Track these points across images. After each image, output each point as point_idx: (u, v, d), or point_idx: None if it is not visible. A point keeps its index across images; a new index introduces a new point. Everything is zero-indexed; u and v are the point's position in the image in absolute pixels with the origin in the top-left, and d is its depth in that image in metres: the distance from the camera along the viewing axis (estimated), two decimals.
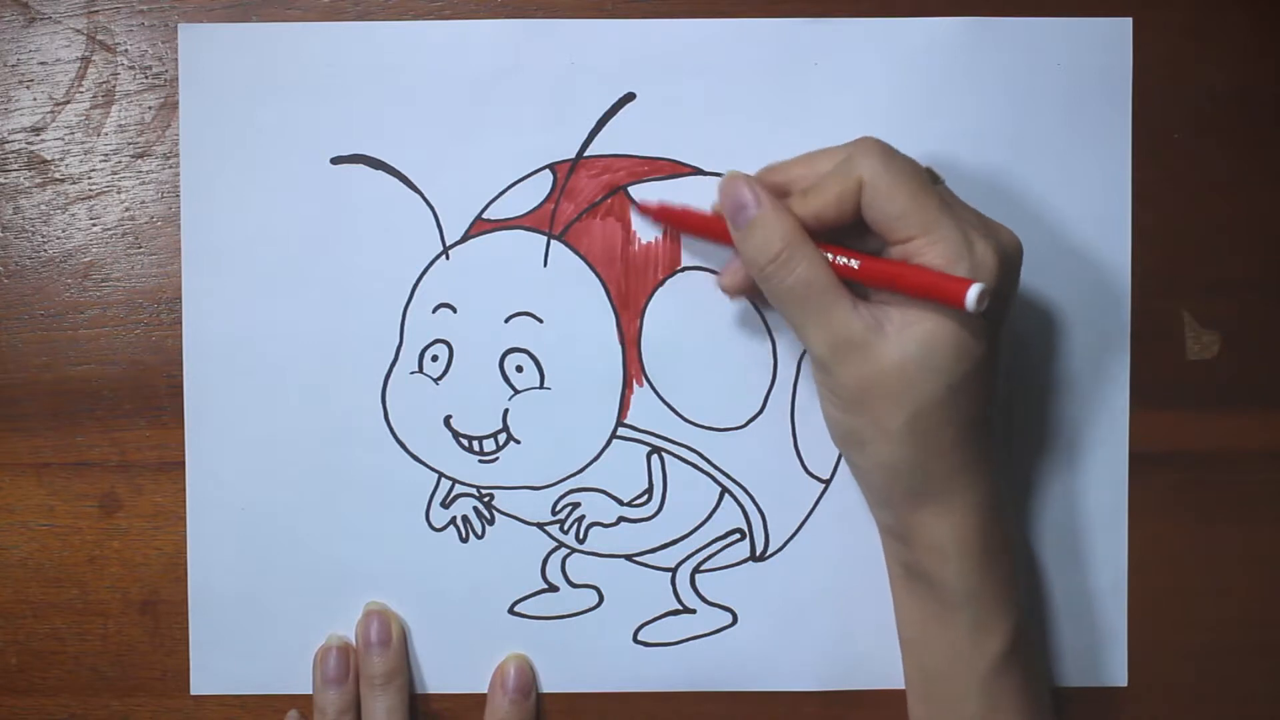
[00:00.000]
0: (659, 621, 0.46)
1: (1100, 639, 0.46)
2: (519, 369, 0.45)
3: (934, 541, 0.40)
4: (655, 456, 0.45)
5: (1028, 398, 0.45)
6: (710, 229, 0.43)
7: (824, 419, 0.42)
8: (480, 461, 0.45)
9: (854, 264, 0.39)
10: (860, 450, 0.40)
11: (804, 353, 0.45)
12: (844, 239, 0.40)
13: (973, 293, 0.36)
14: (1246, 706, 0.46)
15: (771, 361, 0.45)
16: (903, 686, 0.45)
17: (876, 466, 0.40)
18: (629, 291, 0.45)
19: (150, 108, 0.45)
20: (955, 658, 0.40)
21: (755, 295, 0.43)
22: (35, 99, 0.45)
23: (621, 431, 0.45)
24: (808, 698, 0.46)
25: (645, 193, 0.44)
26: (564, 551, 0.45)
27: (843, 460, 0.45)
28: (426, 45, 0.44)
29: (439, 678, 0.46)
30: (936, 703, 0.42)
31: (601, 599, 0.46)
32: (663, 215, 0.44)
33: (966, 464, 0.40)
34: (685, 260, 0.45)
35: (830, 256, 0.39)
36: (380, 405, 0.45)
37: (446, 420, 0.45)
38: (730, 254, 0.42)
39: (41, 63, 0.45)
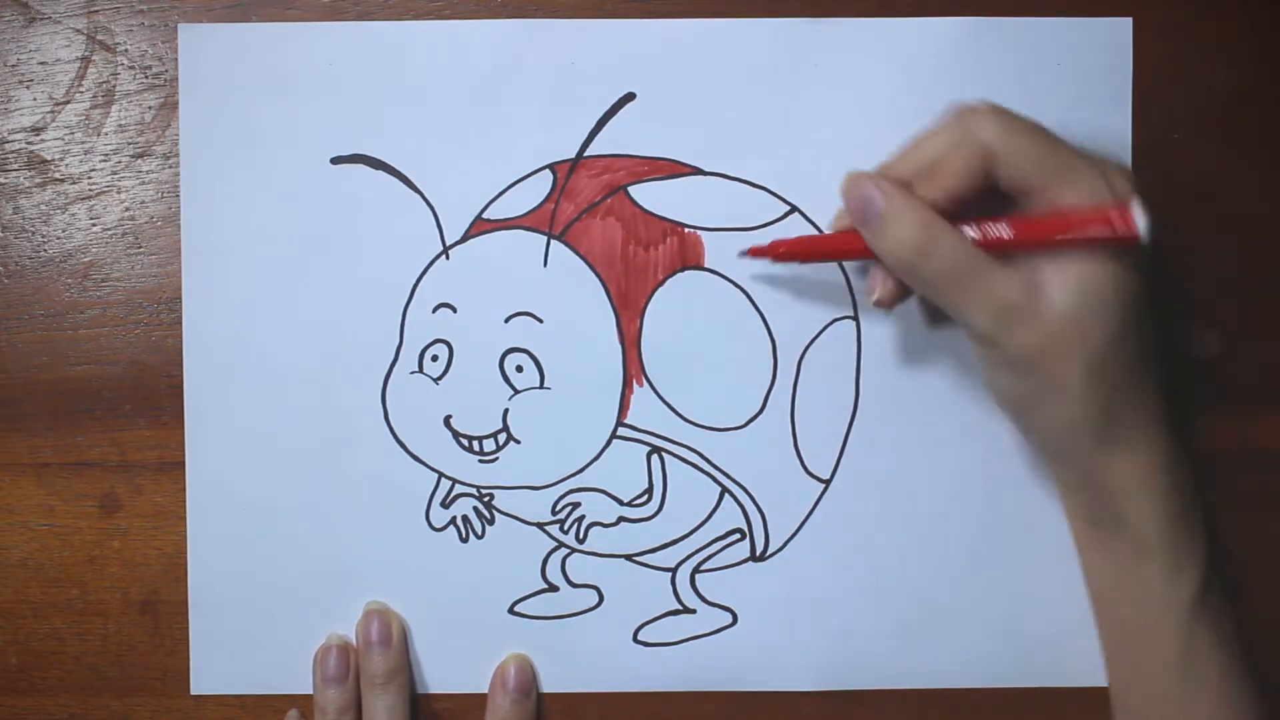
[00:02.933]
0: (659, 621, 0.46)
1: None
2: (519, 369, 0.45)
3: (1121, 484, 0.40)
4: (655, 456, 0.45)
5: None
6: (836, 248, 0.42)
7: (990, 393, 0.41)
8: (480, 461, 0.45)
9: (1006, 231, 0.38)
10: (1039, 410, 0.40)
11: (804, 353, 0.45)
12: (967, 213, 0.39)
13: (1138, 213, 0.37)
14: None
15: (771, 361, 0.45)
16: (902, 686, 0.45)
17: (1059, 422, 0.40)
18: (629, 291, 0.45)
19: (150, 108, 0.45)
20: (1150, 602, 0.40)
21: (905, 297, 0.41)
22: (35, 99, 0.45)
23: (621, 431, 0.45)
24: (808, 698, 0.46)
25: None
26: (564, 551, 0.45)
27: (843, 460, 0.45)
28: (426, 45, 0.44)
29: (439, 677, 0.46)
30: (1134, 652, 0.41)
31: (601, 599, 0.46)
32: (781, 253, 0.43)
33: (1142, 401, 0.40)
34: (685, 262, 0.45)
35: (975, 233, 0.39)
36: (380, 405, 0.45)
37: (446, 420, 0.45)
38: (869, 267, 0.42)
39: (41, 63, 0.45)
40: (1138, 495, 0.40)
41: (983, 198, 0.39)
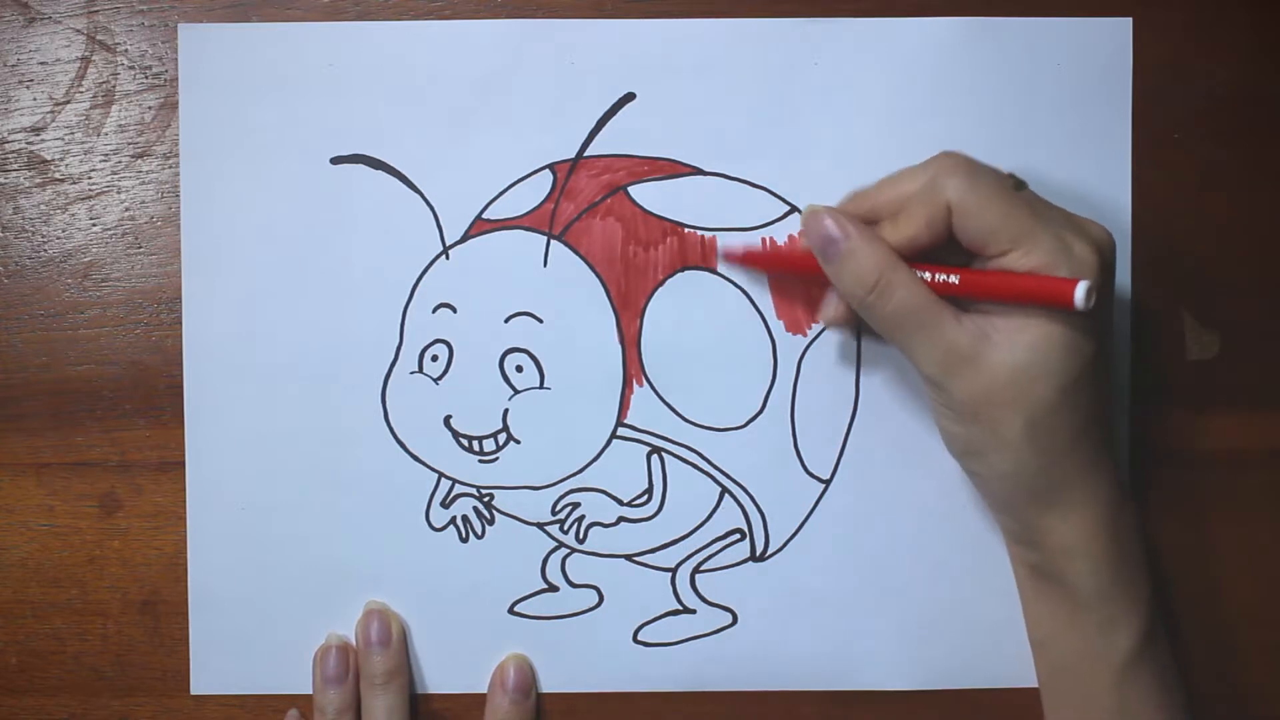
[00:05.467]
0: (659, 621, 0.46)
1: None
2: (519, 369, 0.45)
3: (1061, 543, 0.40)
4: (655, 456, 0.45)
5: None
6: (802, 263, 0.43)
7: (940, 433, 0.42)
8: (480, 461, 0.45)
9: (953, 279, 0.39)
10: (980, 460, 0.40)
11: (804, 353, 0.45)
12: (937, 256, 0.40)
13: (1080, 290, 0.36)
14: (1247, 707, 0.46)
15: (771, 361, 0.45)
16: (900, 688, 0.45)
17: (998, 475, 0.40)
18: (629, 291, 0.45)
19: (150, 108, 0.45)
20: (1087, 656, 0.40)
21: (855, 321, 0.43)
22: (35, 99, 0.45)
23: (621, 431, 0.45)
24: (808, 697, 0.46)
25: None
26: (564, 551, 0.45)
27: (843, 460, 0.45)
28: (426, 45, 0.44)
29: (439, 677, 0.46)
30: (1070, 702, 0.42)
31: (601, 599, 0.46)
32: (750, 260, 0.44)
33: (1088, 463, 0.40)
34: (685, 262, 0.45)
35: (928, 276, 0.39)
36: (380, 405, 0.45)
37: (446, 420, 0.45)
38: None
39: (41, 63, 0.45)
40: (1076, 554, 0.40)
41: (950, 244, 0.39)
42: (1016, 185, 0.40)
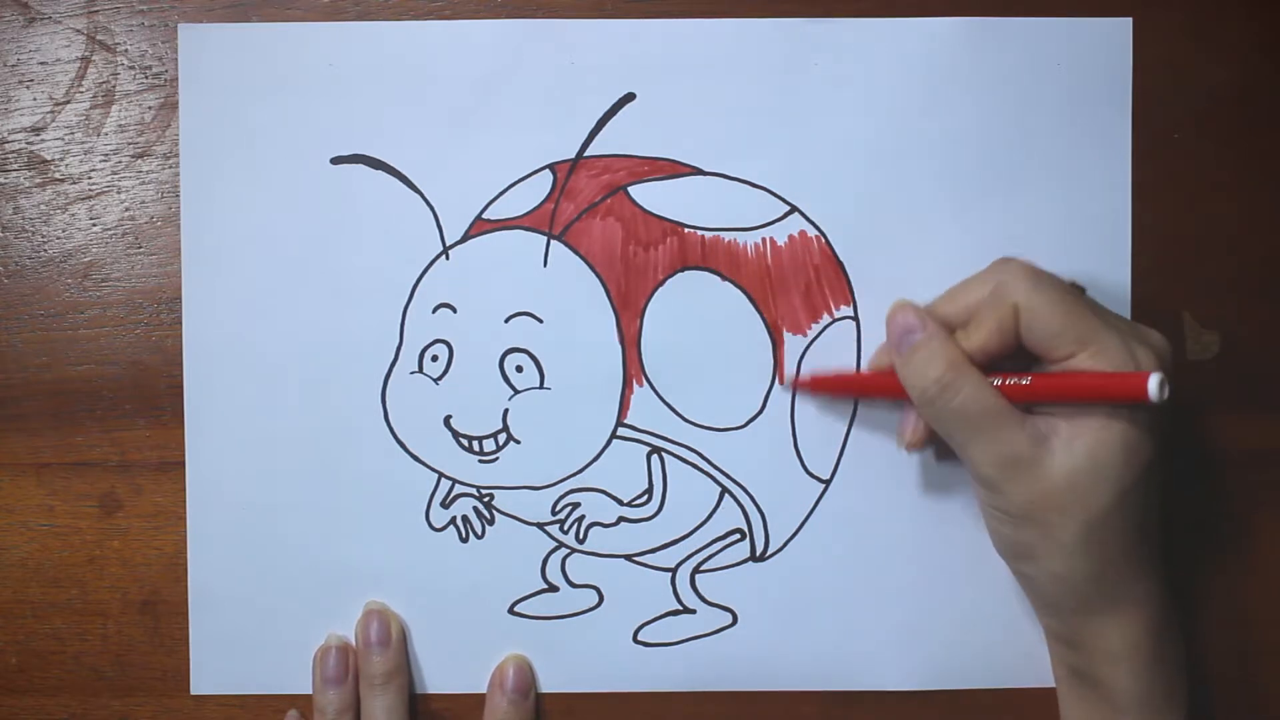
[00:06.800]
0: (659, 621, 0.46)
1: None
2: (519, 369, 0.45)
3: (1106, 648, 0.40)
4: (655, 456, 0.45)
5: None
6: (872, 386, 0.43)
7: (990, 534, 0.42)
8: (480, 461, 0.45)
9: (1025, 381, 0.39)
10: (1032, 563, 0.40)
11: (804, 352, 0.45)
12: (1001, 365, 0.40)
13: (1154, 382, 0.36)
14: (1248, 707, 0.46)
15: (772, 361, 0.45)
16: (900, 688, 0.45)
17: (1049, 578, 0.40)
18: (629, 291, 0.45)
19: (150, 108, 0.45)
20: None
21: (934, 442, 0.43)
22: (35, 99, 0.45)
23: (621, 431, 0.45)
24: (808, 698, 0.46)
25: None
26: (564, 551, 0.45)
27: (843, 460, 0.45)
28: (426, 45, 0.44)
29: (439, 678, 0.46)
30: None
31: (601, 599, 0.46)
32: (820, 385, 0.44)
33: (1139, 568, 0.40)
34: (686, 262, 0.45)
35: (999, 381, 0.40)
36: (380, 405, 0.45)
37: (446, 420, 0.45)
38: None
39: (41, 63, 0.45)
40: (1119, 661, 0.40)
41: (1017, 354, 0.40)
42: (1078, 291, 0.40)
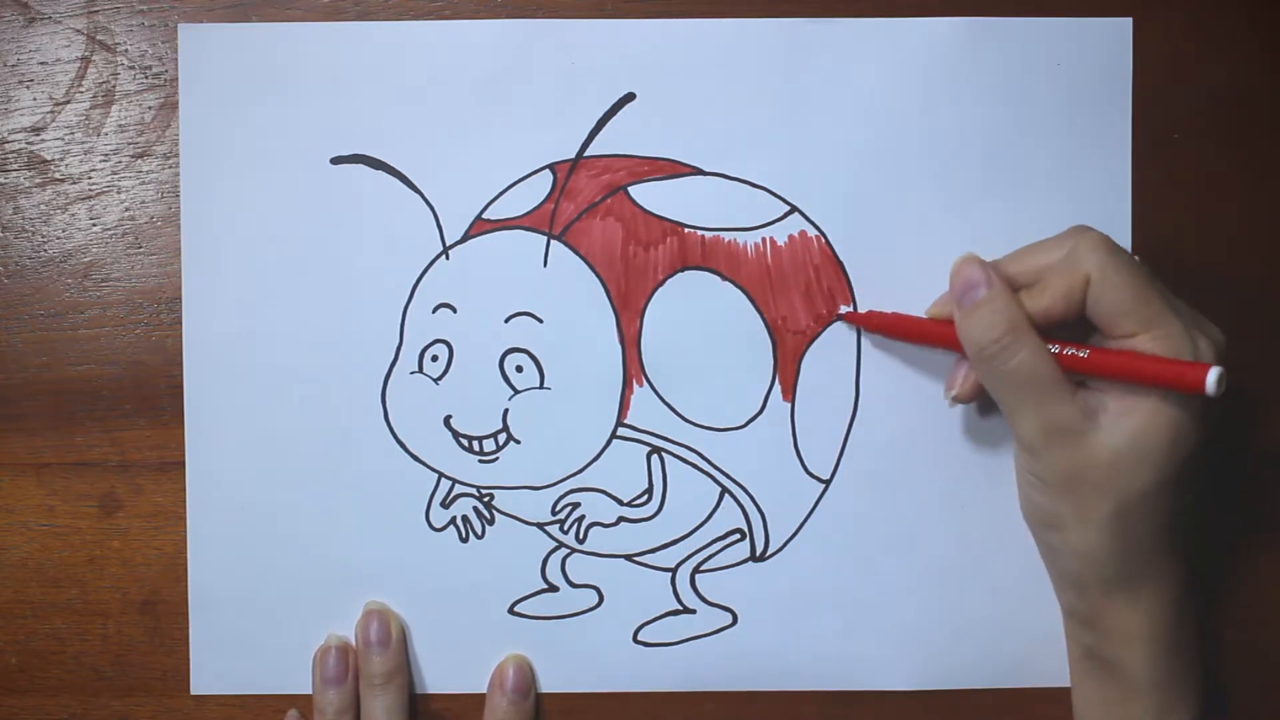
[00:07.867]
0: (659, 621, 0.46)
1: None
2: (519, 369, 0.45)
3: (1125, 629, 0.40)
4: (655, 456, 0.45)
5: None
6: (928, 333, 0.43)
7: (1020, 500, 0.42)
8: (480, 461, 0.45)
9: (1082, 354, 0.39)
10: (1059, 534, 0.40)
11: (804, 352, 0.45)
12: (1055, 332, 0.40)
13: (1212, 376, 0.37)
14: (1247, 707, 0.46)
15: (772, 361, 0.45)
16: (900, 688, 0.45)
17: (1074, 553, 0.40)
18: (629, 291, 0.45)
19: (150, 108, 0.45)
20: None
21: (980, 396, 0.43)
22: (35, 99, 0.45)
23: (621, 431, 0.45)
24: (808, 698, 0.46)
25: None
26: (564, 551, 0.45)
27: (843, 460, 0.45)
28: (426, 45, 0.44)
29: (439, 678, 0.46)
30: None
31: (601, 599, 0.46)
32: (874, 322, 0.44)
33: (1166, 554, 0.40)
34: (686, 262, 0.45)
35: (1056, 349, 0.39)
36: (380, 405, 0.45)
37: (446, 420, 0.45)
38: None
39: (41, 63, 0.45)
40: (1137, 643, 0.40)
41: (1076, 325, 0.40)
42: (1148, 271, 0.40)
